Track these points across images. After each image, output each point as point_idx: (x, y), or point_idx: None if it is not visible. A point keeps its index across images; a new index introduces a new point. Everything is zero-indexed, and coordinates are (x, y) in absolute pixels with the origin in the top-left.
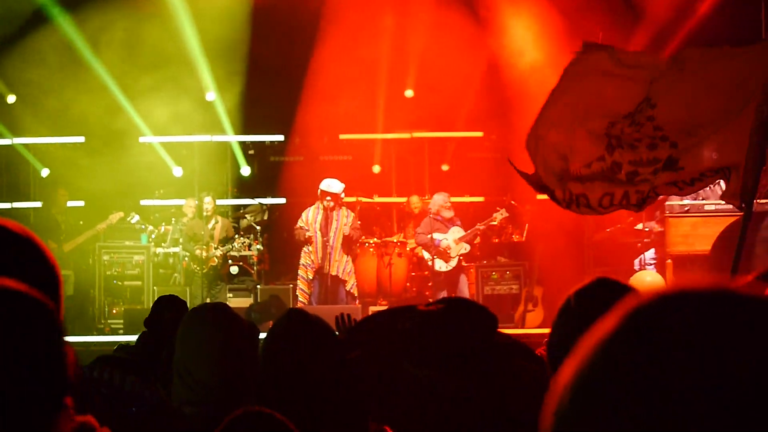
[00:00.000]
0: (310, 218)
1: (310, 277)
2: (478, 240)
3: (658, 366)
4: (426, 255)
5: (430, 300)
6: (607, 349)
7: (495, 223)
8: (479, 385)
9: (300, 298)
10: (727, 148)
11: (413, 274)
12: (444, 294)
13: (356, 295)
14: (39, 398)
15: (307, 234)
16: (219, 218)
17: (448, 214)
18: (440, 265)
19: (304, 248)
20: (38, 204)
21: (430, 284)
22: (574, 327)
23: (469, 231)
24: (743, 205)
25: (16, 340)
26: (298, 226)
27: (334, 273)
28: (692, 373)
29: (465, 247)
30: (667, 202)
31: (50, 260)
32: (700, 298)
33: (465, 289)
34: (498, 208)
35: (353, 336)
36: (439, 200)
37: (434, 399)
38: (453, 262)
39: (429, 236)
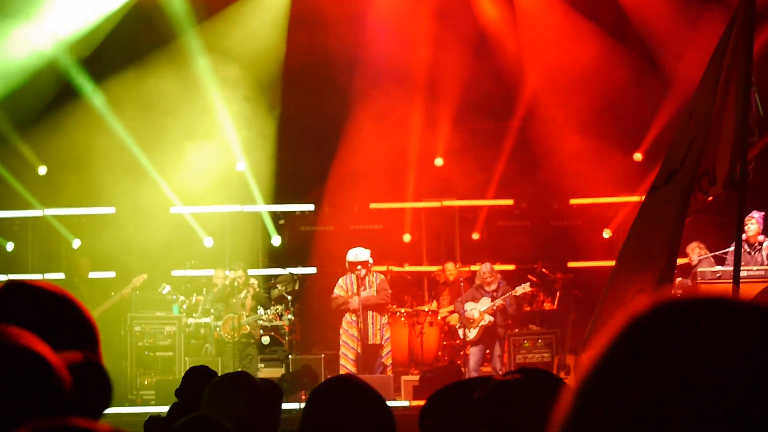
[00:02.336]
0: (347, 287)
1: (354, 346)
2: (512, 308)
3: (655, 373)
4: (458, 323)
5: (460, 368)
6: (607, 357)
7: (517, 294)
8: None
9: (348, 367)
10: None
11: (445, 342)
12: (474, 362)
13: (389, 364)
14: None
15: (350, 304)
16: (250, 288)
17: (491, 286)
18: (463, 333)
19: (346, 316)
20: (62, 276)
21: (462, 353)
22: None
23: (491, 304)
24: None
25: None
26: (335, 294)
27: (371, 342)
28: (689, 377)
29: (487, 319)
30: (699, 269)
31: (87, 316)
32: (694, 304)
33: (496, 359)
34: (531, 278)
35: (427, 407)
36: (482, 270)
37: None
38: (473, 332)
39: (463, 305)
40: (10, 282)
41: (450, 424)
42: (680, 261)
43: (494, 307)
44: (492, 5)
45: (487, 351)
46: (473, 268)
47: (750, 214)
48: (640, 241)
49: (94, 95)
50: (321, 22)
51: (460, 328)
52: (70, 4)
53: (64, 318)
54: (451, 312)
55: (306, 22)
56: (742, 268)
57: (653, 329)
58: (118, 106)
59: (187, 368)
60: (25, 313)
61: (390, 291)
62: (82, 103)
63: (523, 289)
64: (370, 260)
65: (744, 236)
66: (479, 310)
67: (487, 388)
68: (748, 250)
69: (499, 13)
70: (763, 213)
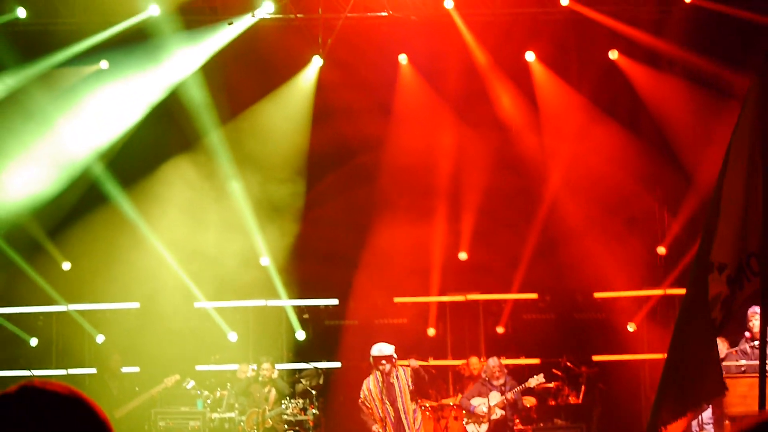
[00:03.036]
0: (372, 389)
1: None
2: (533, 402)
3: None
4: (465, 420)
5: None
6: None
7: (530, 386)
8: None
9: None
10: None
11: None
12: None
13: None
14: None
15: (375, 426)
16: (275, 382)
17: (498, 380)
18: (472, 430)
19: (374, 427)
20: (92, 370)
21: None
22: None
23: (503, 396)
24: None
25: None
26: (361, 400)
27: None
28: None
29: (499, 413)
30: (723, 363)
31: (101, 418)
32: None
33: None
34: (555, 372)
35: None
36: (490, 365)
37: None
38: (484, 428)
39: (469, 401)
40: (23, 386)
41: None
42: None
43: (506, 400)
44: (513, 100)
45: None
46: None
47: (753, 309)
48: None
49: (118, 197)
50: (345, 114)
51: (468, 424)
52: (102, 113)
53: (79, 422)
54: (455, 405)
55: (330, 114)
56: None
57: None
58: (142, 205)
59: None
60: (41, 419)
61: (424, 376)
62: (106, 202)
63: (537, 380)
64: (395, 355)
65: (749, 333)
66: (488, 404)
67: None
68: (756, 345)
69: (520, 108)
70: None
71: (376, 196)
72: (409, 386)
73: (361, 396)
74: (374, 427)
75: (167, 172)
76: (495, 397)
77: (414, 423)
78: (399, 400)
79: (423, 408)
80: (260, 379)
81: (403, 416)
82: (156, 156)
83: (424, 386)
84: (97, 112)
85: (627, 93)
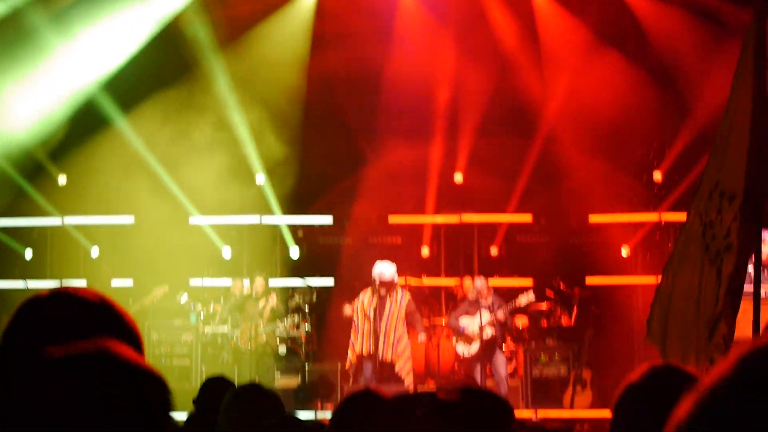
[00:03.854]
0: (365, 302)
1: (354, 363)
2: (525, 323)
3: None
4: (455, 340)
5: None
6: (718, 392)
7: (520, 304)
8: None
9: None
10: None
11: (461, 356)
12: (477, 376)
13: (403, 377)
14: None
15: (354, 323)
16: (269, 299)
17: (486, 300)
18: (462, 350)
19: (351, 338)
20: (83, 282)
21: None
22: (632, 423)
23: (492, 316)
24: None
25: (131, 412)
26: (346, 314)
27: (386, 358)
28: None
29: (489, 332)
30: None
31: (130, 322)
32: None
33: (501, 371)
34: (548, 293)
35: (369, 420)
36: (477, 285)
37: None
38: (475, 347)
39: (458, 321)
40: (55, 290)
41: None
42: None
43: (495, 320)
44: (513, 24)
45: (488, 365)
46: (491, 282)
47: None
48: None
49: (116, 118)
50: (344, 38)
51: (457, 344)
52: (103, 42)
53: (111, 324)
54: (444, 325)
55: (329, 38)
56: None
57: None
58: (137, 118)
59: (204, 377)
60: (73, 320)
61: (419, 318)
62: (104, 123)
63: (527, 298)
64: (396, 278)
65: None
66: (477, 324)
67: (429, 406)
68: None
69: (520, 33)
70: None
71: (373, 118)
72: (401, 309)
73: (354, 303)
74: (351, 338)
75: (165, 94)
76: (484, 317)
77: (396, 345)
78: (386, 320)
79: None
80: (254, 294)
81: (382, 336)
82: (155, 79)
83: (414, 320)
84: (96, 37)
85: (628, 22)
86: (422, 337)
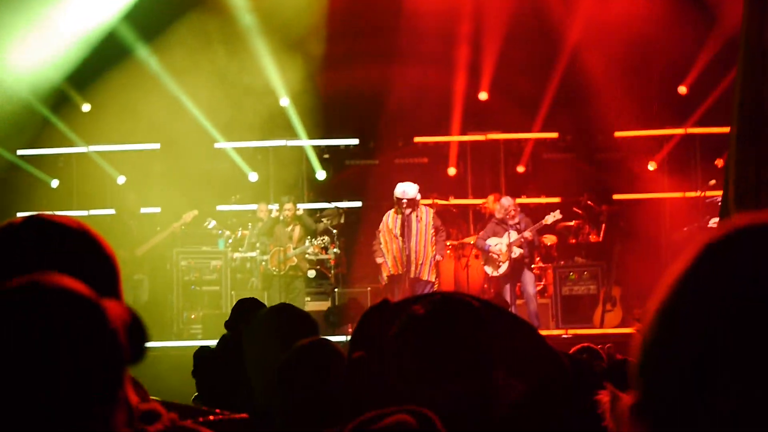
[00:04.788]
0: (389, 223)
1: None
2: (553, 240)
3: (737, 290)
4: (484, 260)
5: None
6: (689, 276)
7: (547, 223)
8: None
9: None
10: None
11: (490, 275)
12: (507, 295)
13: None
14: (89, 394)
15: (379, 259)
16: (298, 222)
17: (513, 220)
18: (490, 270)
19: (378, 260)
20: (112, 211)
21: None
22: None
23: (519, 235)
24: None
25: (65, 339)
26: (378, 230)
27: (416, 276)
28: None
29: (517, 252)
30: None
31: (107, 252)
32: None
33: (530, 290)
34: (576, 210)
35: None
36: (504, 204)
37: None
38: (504, 267)
39: (485, 241)
40: (31, 217)
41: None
42: (715, 193)
43: (523, 239)
44: None
45: (518, 284)
46: (519, 200)
47: None
48: None
49: (138, 45)
50: None
51: (485, 266)
52: None
53: (87, 255)
54: (472, 245)
55: None
56: None
57: (733, 249)
58: (161, 45)
59: (234, 302)
60: (47, 249)
61: (444, 237)
62: (127, 54)
63: (554, 217)
64: (418, 196)
65: None
66: (505, 243)
67: (403, 320)
68: None
69: None
70: None
71: (397, 40)
72: (428, 227)
73: (380, 226)
74: (378, 260)
75: (188, 24)
76: (512, 236)
77: (426, 263)
78: (414, 239)
79: (449, 249)
80: (282, 218)
81: (413, 255)
82: (176, 7)
83: (439, 238)
84: None
85: None
86: (439, 257)
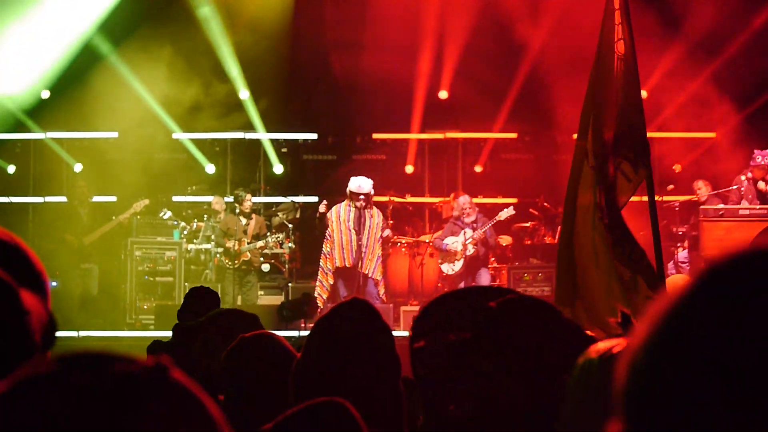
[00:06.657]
0: (341, 214)
1: (331, 282)
2: (509, 241)
3: (735, 322)
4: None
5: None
6: (684, 306)
7: (501, 219)
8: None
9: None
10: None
11: (445, 274)
12: None
13: (382, 294)
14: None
15: (328, 235)
16: (254, 215)
17: (470, 218)
18: (446, 269)
19: (324, 250)
20: (65, 198)
21: (461, 284)
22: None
23: (475, 233)
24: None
25: None
26: (322, 214)
27: (366, 272)
28: None
29: (471, 250)
30: (701, 207)
31: (38, 265)
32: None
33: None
34: (532, 211)
35: (419, 322)
36: (461, 202)
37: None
38: (458, 265)
39: (442, 241)
40: None
41: (446, 343)
42: (687, 197)
43: (478, 237)
44: None
45: (473, 283)
46: (476, 200)
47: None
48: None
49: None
50: None
51: (442, 263)
52: None
53: (15, 265)
54: (429, 242)
55: None
56: (744, 206)
57: (732, 278)
58: (121, 35)
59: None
60: None
61: (391, 235)
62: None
63: (507, 212)
64: (372, 191)
65: (751, 174)
66: (461, 241)
67: (502, 299)
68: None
69: None
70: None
71: (361, 33)
72: (378, 227)
73: (327, 215)
74: (325, 248)
75: (148, 14)
76: (467, 234)
77: (374, 259)
78: (366, 234)
79: (399, 244)
80: (237, 211)
81: (363, 249)
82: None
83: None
84: None
85: None
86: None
